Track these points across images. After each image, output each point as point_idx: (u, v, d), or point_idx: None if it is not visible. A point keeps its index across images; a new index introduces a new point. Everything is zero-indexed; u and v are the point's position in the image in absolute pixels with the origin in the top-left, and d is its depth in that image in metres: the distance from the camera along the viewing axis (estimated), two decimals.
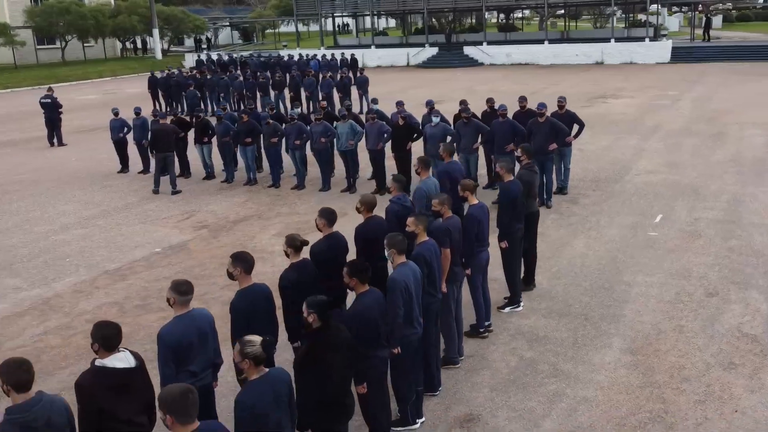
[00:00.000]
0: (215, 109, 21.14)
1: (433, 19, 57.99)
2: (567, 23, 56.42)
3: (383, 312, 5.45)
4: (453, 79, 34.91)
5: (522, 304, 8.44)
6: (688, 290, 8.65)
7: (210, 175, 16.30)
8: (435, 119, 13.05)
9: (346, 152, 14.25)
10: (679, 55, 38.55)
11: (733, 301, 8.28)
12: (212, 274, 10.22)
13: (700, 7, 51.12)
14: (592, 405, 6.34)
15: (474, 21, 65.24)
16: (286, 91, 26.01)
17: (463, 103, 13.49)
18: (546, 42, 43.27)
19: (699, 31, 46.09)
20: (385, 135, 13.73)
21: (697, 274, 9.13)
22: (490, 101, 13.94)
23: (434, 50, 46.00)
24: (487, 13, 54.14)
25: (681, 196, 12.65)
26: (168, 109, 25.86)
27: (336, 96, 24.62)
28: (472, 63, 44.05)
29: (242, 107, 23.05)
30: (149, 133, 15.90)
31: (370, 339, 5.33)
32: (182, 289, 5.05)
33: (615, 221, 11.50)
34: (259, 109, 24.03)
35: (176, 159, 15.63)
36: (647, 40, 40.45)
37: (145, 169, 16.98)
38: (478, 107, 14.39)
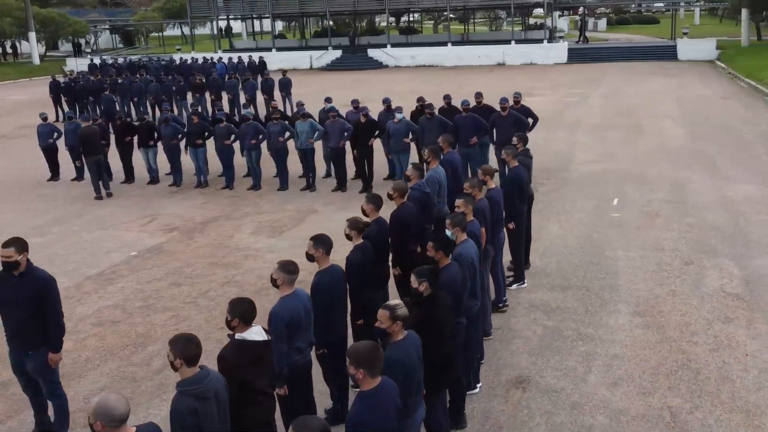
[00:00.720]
0: (134, 112, 20.72)
1: (330, 22, 58.63)
2: (466, 26, 58.86)
3: (464, 282, 6.03)
4: (365, 80, 35.72)
5: (525, 281, 9.26)
6: (667, 261, 9.81)
7: (155, 179, 16.09)
8: (399, 116, 13.73)
9: (305, 151, 14.60)
10: (576, 56, 41.47)
11: (708, 267, 9.51)
12: (204, 273, 10.34)
13: (580, 11, 54.91)
14: (624, 360, 7.22)
15: (373, 24, 66.55)
16: (207, 94, 25.76)
17: (420, 99, 14.29)
18: (449, 44, 45.10)
19: (588, 34, 49.67)
20: (346, 133, 14.22)
21: (668, 247, 10.35)
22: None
23: (338, 53, 46.67)
24: (379, 17, 55.53)
25: (627, 182, 14.04)
26: (75, 115, 24.86)
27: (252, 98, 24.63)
28: (377, 65, 45.08)
29: (149, 112, 22.95)
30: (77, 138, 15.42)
31: (457, 307, 5.91)
32: (290, 269, 5.40)
33: (577, 206, 12.64)
34: (176, 112, 23.89)
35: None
36: (545, 41, 43.19)
37: (79, 176, 16.49)
38: (407, 107, 14.83)
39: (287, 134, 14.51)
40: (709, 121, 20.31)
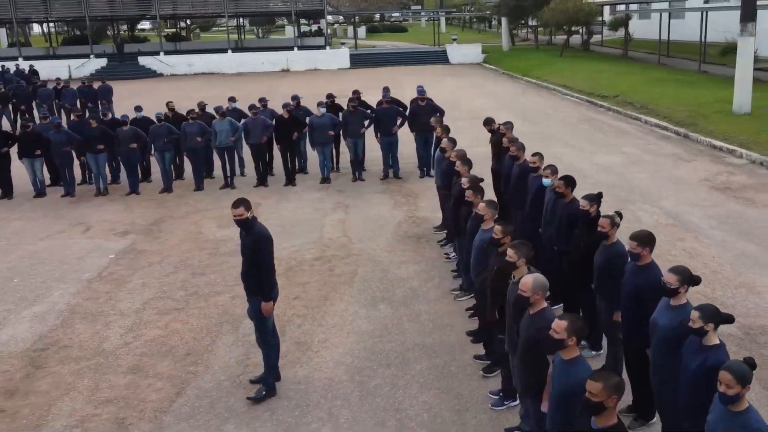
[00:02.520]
0: None
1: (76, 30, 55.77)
2: (241, 33, 59.83)
3: None
4: (152, 89, 35.37)
5: None
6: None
7: (41, 192, 15.54)
8: (322, 110, 15.31)
9: (225, 149, 15.43)
10: (358, 61, 45.21)
11: (636, 210, 12.76)
12: (212, 263, 11.05)
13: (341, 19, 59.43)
14: None
15: (134, 30, 64.30)
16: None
17: (356, 92, 16.04)
18: (230, 51, 46.04)
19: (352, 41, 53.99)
20: (269, 128, 15.38)
21: None
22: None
23: (102, 61, 44.96)
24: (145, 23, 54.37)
25: None
26: None
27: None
28: (150, 74, 44.40)
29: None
30: None
31: None
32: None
33: None
34: None
35: None
36: (328, 48, 46.33)
37: None
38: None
39: (206, 133, 15.20)
40: (529, 111, 24.69)
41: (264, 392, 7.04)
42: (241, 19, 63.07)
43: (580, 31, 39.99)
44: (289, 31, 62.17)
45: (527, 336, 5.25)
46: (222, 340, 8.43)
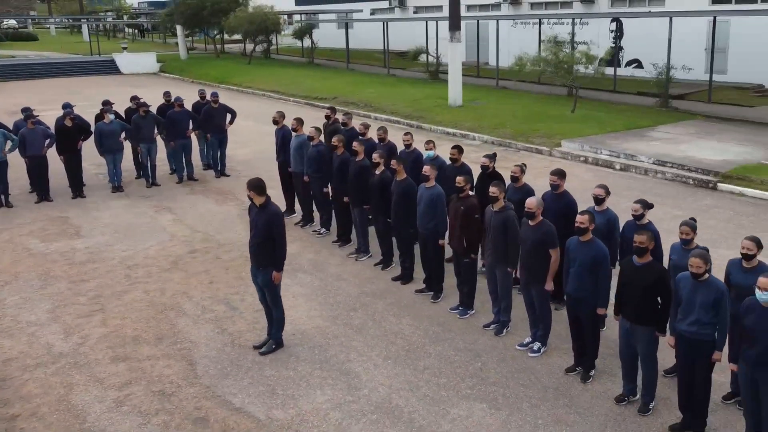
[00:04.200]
0: None
1: None
2: None
3: None
4: None
5: None
6: None
7: None
8: (111, 116, 15.80)
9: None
10: (1, 73, 42.22)
11: None
12: (80, 271, 11.47)
13: None
14: None
15: None
16: None
17: (134, 98, 16.56)
18: None
19: None
20: (49, 139, 15.35)
21: None
22: (166, 94, 17.31)
23: None
24: None
25: None
26: None
27: None
28: None
29: None
30: None
31: None
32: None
33: None
34: None
35: None
36: None
37: None
38: None
39: None
40: (258, 114, 26.89)
41: (274, 346, 8.46)
42: None
43: (264, 39, 43.05)
44: None
45: (535, 239, 7.85)
46: (181, 322, 9.39)
